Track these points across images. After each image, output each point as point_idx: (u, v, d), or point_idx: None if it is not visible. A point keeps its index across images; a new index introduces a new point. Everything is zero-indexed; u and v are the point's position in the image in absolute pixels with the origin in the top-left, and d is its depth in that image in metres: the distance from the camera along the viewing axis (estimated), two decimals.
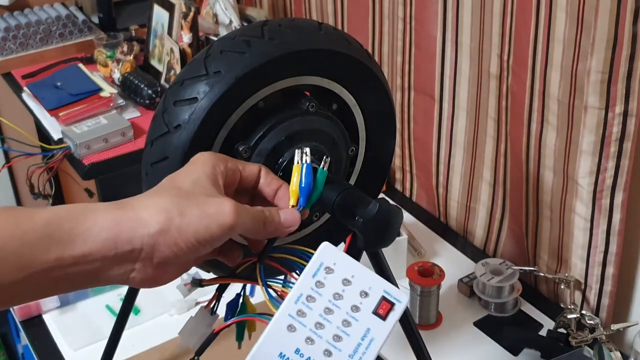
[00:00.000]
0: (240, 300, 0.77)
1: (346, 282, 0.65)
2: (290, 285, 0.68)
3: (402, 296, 0.64)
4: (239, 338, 0.79)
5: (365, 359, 0.63)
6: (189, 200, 0.64)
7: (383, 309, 0.64)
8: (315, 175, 0.76)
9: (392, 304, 0.64)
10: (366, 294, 0.65)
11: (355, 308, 0.64)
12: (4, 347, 2.43)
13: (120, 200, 0.64)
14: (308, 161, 0.75)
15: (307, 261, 0.67)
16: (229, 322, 0.75)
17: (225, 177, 0.68)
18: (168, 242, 0.62)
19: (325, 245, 0.66)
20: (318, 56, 0.82)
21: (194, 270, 0.74)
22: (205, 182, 0.66)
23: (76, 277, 0.61)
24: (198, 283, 0.77)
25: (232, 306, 0.78)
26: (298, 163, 0.75)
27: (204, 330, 0.77)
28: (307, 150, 0.76)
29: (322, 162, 0.77)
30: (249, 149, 0.80)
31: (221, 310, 0.79)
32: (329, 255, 0.66)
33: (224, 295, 0.78)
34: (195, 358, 0.78)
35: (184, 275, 0.72)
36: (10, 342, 2.42)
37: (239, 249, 0.73)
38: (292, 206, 0.73)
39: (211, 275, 0.80)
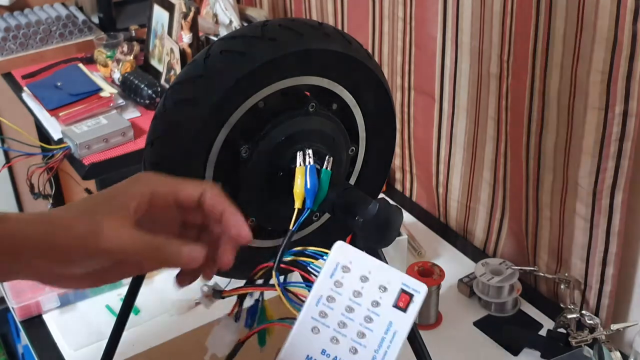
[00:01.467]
0: (260, 306, 0.77)
1: (364, 278, 0.66)
2: (309, 286, 0.68)
3: (420, 287, 0.65)
4: (261, 343, 0.79)
5: (390, 352, 0.64)
6: (73, 214, 0.66)
7: (403, 301, 0.65)
8: (320, 176, 0.76)
9: (411, 295, 0.65)
10: (385, 288, 0.65)
11: (376, 303, 0.65)
12: (4, 347, 2.43)
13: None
14: (311, 163, 0.75)
15: (321, 259, 0.67)
16: (253, 330, 0.75)
17: (150, 201, 0.68)
18: (40, 254, 0.64)
19: (339, 245, 0.67)
20: (318, 56, 0.82)
21: (215, 279, 0.74)
22: (109, 204, 0.67)
23: None
24: (219, 295, 0.77)
25: (252, 312, 0.77)
26: (301, 165, 0.75)
27: (230, 338, 0.77)
28: (310, 151, 0.76)
29: (325, 162, 0.77)
30: (250, 149, 0.80)
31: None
32: (344, 253, 0.67)
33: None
34: None
35: (204, 288, 0.74)
36: (10, 342, 2.42)
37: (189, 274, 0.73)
38: (298, 209, 0.73)
39: (231, 284, 0.79)
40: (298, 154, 0.76)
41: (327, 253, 0.67)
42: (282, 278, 0.72)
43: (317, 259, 0.69)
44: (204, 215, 0.71)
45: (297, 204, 0.73)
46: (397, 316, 0.64)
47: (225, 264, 0.70)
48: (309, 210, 0.73)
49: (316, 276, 0.67)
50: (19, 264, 0.64)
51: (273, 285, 0.71)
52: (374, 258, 0.66)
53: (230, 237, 0.70)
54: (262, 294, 0.77)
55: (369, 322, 0.65)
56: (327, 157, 0.77)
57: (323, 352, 0.64)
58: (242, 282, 0.77)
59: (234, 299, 0.78)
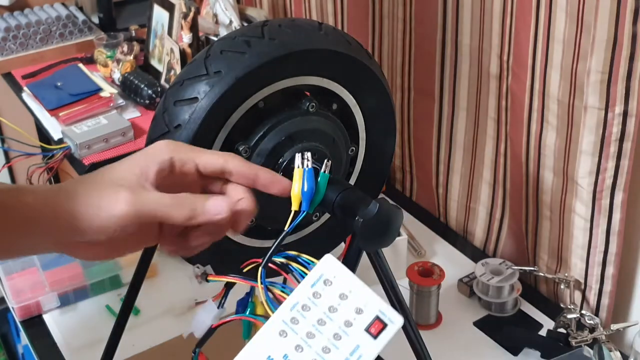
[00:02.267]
0: (250, 300, 0.78)
1: (343, 296, 0.66)
2: (289, 290, 0.69)
3: (396, 318, 0.65)
4: (245, 335, 0.80)
5: None
6: (92, 190, 0.67)
7: (375, 327, 0.65)
8: (317, 179, 0.76)
9: (385, 325, 0.65)
10: (361, 311, 0.65)
11: (348, 323, 0.65)
12: (4, 347, 2.43)
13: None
14: (310, 166, 0.75)
15: (307, 268, 0.68)
16: (227, 319, 0.76)
17: (169, 166, 0.69)
18: (63, 224, 0.66)
19: (327, 257, 0.67)
20: (318, 56, 0.83)
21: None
22: (128, 172, 0.69)
23: None
24: (205, 277, 0.79)
25: (241, 304, 0.79)
26: (299, 167, 0.75)
27: (210, 322, 0.78)
28: (309, 154, 0.76)
29: (324, 166, 0.77)
30: (249, 149, 0.80)
31: None
32: (330, 267, 0.67)
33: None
34: (196, 350, 0.80)
35: (197, 268, 0.77)
36: (10, 342, 2.42)
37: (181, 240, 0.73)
38: (295, 211, 0.73)
39: None
40: (297, 155, 0.76)
41: (315, 263, 0.68)
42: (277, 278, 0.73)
43: (306, 267, 0.70)
44: (224, 184, 0.72)
45: (294, 206, 0.73)
46: (366, 341, 0.64)
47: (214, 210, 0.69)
48: (304, 213, 0.73)
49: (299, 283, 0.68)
50: (37, 236, 0.67)
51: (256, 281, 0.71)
52: (358, 279, 0.66)
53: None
54: (252, 288, 0.77)
55: (337, 339, 0.65)
56: (325, 161, 0.77)
57: (285, 356, 0.64)
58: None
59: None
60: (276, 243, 0.72)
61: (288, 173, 0.81)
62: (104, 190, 0.67)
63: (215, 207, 0.68)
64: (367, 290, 0.66)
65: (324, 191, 0.76)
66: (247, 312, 0.78)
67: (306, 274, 0.67)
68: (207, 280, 0.78)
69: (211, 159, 0.70)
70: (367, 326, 0.65)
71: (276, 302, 0.69)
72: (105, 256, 0.71)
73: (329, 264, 0.67)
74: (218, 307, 0.78)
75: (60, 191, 0.67)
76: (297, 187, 0.74)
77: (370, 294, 0.66)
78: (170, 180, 0.69)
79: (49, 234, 0.67)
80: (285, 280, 0.72)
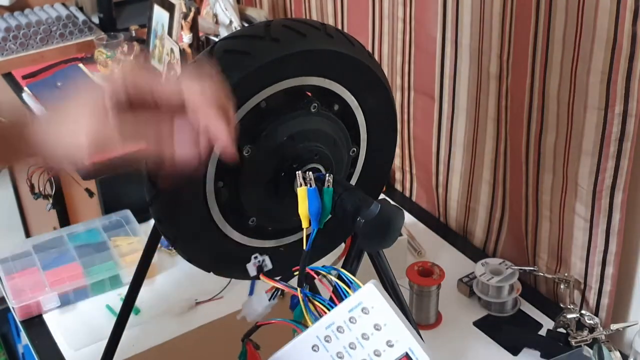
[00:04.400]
0: (301, 302, 0.79)
1: (377, 326, 0.68)
2: (329, 306, 0.71)
3: (424, 358, 0.66)
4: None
5: None
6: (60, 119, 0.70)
7: None
8: (322, 195, 0.77)
9: None
10: (391, 345, 0.68)
11: (377, 352, 0.68)
12: (4, 347, 2.43)
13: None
14: (313, 185, 0.76)
15: (351, 287, 0.70)
16: (271, 321, 0.79)
17: (125, 96, 0.67)
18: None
19: (370, 286, 0.69)
20: (321, 57, 0.83)
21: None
22: (86, 106, 0.69)
23: None
24: (260, 271, 0.85)
25: (295, 300, 0.79)
26: (302, 186, 0.76)
27: (261, 311, 0.81)
28: (310, 174, 0.77)
29: (326, 182, 0.77)
30: (251, 149, 0.80)
31: None
32: (370, 296, 0.69)
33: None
34: (244, 340, 0.84)
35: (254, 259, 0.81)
36: (10, 342, 2.42)
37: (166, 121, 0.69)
38: (306, 228, 0.75)
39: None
40: (298, 173, 0.77)
41: (360, 286, 0.69)
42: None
43: (350, 287, 0.72)
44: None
45: (304, 224, 0.75)
46: None
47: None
48: (315, 230, 0.75)
49: (341, 301, 0.70)
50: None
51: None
52: (396, 314, 0.68)
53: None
54: (303, 293, 0.78)
55: None
56: (327, 176, 0.77)
57: None
58: None
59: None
60: (303, 262, 0.75)
61: (289, 174, 0.81)
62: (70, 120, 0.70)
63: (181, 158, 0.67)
64: (402, 327, 0.68)
65: (330, 206, 0.77)
66: (294, 313, 0.79)
67: (348, 294, 0.69)
68: (258, 278, 0.81)
69: (166, 93, 0.67)
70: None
71: (316, 314, 0.71)
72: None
73: (370, 293, 0.69)
74: (270, 300, 0.81)
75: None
76: (304, 206, 0.75)
77: (404, 330, 0.68)
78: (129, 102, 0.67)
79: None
80: (330, 297, 0.73)
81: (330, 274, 0.75)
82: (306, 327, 0.70)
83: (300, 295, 0.73)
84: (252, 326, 0.83)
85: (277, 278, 0.82)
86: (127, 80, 0.67)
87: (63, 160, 0.71)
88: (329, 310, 0.70)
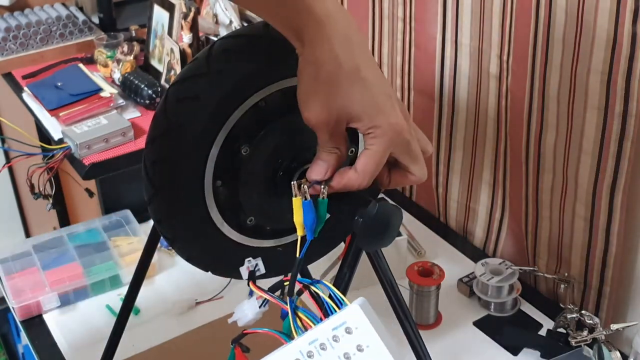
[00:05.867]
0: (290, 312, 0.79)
1: (360, 348, 0.67)
2: (315, 321, 0.71)
3: None
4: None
5: None
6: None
7: None
8: (317, 206, 0.76)
9: None
10: None
11: None
12: (4, 347, 2.43)
13: None
14: (308, 198, 0.76)
15: (338, 305, 0.70)
16: (257, 330, 0.79)
17: None
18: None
19: (355, 307, 0.68)
20: None
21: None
22: None
23: None
24: (252, 277, 0.84)
25: (285, 311, 0.79)
26: (297, 196, 0.76)
27: (251, 317, 0.81)
28: (305, 187, 0.76)
29: (321, 193, 0.77)
30: (250, 148, 0.80)
31: None
32: (354, 317, 0.68)
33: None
34: (233, 344, 0.84)
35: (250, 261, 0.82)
36: (10, 342, 2.42)
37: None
38: (301, 237, 0.75)
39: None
40: (293, 184, 0.76)
41: (347, 304, 0.69)
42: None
43: (337, 305, 0.72)
44: None
45: (299, 232, 0.74)
46: None
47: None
48: (310, 241, 0.75)
49: (327, 317, 0.69)
50: None
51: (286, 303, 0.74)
52: (379, 337, 0.67)
53: None
54: (290, 303, 0.78)
55: None
56: (322, 187, 0.77)
57: None
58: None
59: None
60: (295, 270, 0.74)
61: (288, 174, 0.81)
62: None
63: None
64: (385, 350, 0.67)
65: (324, 216, 0.77)
66: (283, 327, 0.79)
67: (335, 311, 0.69)
68: (248, 285, 0.81)
69: None
70: None
71: (302, 328, 0.71)
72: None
73: (354, 314, 0.68)
74: (260, 307, 0.80)
75: None
76: (299, 216, 0.75)
77: (386, 354, 0.67)
78: None
79: None
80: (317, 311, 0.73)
81: (317, 288, 0.75)
82: (291, 339, 0.69)
83: (288, 308, 0.73)
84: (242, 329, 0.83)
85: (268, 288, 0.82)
86: None
87: None
88: (314, 324, 0.70)
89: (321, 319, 0.70)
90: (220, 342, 0.91)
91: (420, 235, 1.52)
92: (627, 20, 1.05)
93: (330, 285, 0.74)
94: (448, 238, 1.53)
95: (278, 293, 0.79)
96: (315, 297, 0.74)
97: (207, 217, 0.82)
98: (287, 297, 0.73)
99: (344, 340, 0.67)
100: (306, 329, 0.70)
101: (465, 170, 1.50)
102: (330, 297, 0.73)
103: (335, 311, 0.69)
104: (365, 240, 0.79)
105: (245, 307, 0.81)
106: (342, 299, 0.71)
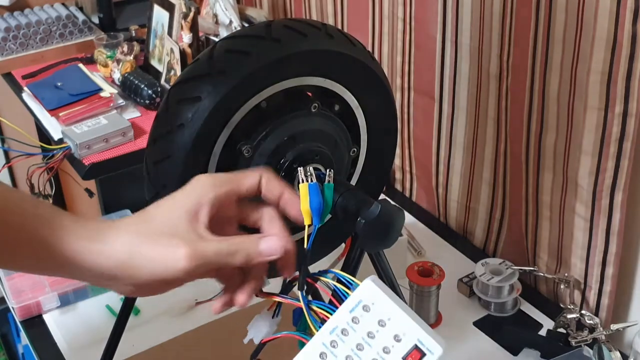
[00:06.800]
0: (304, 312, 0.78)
1: (382, 322, 0.66)
2: (331, 310, 0.70)
3: (435, 348, 0.65)
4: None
5: None
6: (148, 241, 0.66)
7: (413, 357, 0.65)
8: (323, 191, 0.76)
9: (423, 354, 0.65)
10: (399, 339, 0.66)
11: (387, 349, 0.66)
12: (4, 347, 2.43)
13: (103, 226, 0.67)
14: (314, 180, 0.75)
15: (350, 288, 0.68)
16: (276, 335, 0.77)
17: (217, 204, 0.69)
18: (125, 278, 0.66)
19: (367, 283, 0.67)
20: (322, 57, 0.83)
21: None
22: (179, 218, 0.67)
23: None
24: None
25: (298, 313, 0.79)
26: (303, 182, 0.75)
27: (267, 329, 0.79)
28: (311, 168, 0.76)
29: (327, 176, 0.77)
30: (252, 149, 0.81)
31: None
32: (369, 293, 0.67)
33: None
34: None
35: None
36: (10, 342, 2.42)
37: (239, 275, 0.73)
38: (308, 225, 0.74)
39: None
40: (299, 169, 0.76)
41: (358, 284, 0.68)
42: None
43: (349, 288, 0.70)
44: (259, 220, 0.73)
45: (306, 221, 0.74)
46: None
47: (269, 251, 0.70)
48: (317, 227, 0.74)
49: (341, 303, 0.68)
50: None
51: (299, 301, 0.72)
52: (398, 306, 0.66)
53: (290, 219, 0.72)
54: (305, 302, 0.77)
55: None
56: (328, 171, 0.77)
57: None
58: None
59: None
60: (304, 261, 0.73)
61: (290, 173, 0.81)
62: (157, 241, 0.66)
63: (269, 249, 0.69)
64: (407, 318, 0.66)
65: (331, 202, 0.77)
66: (300, 324, 0.78)
67: (348, 294, 0.68)
68: (257, 295, 0.78)
69: (250, 181, 0.71)
70: (405, 354, 0.65)
71: (319, 321, 0.70)
72: (142, 294, 0.71)
73: (369, 290, 0.67)
74: (273, 317, 0.79)
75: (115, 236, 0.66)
76: (305, 203, 0.74)
77: (409, 322, 0.66)
78: (215, 218, 0.69)
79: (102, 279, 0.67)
80: (330, 301, 0.72)
81: (326, 277, 0.74)
82: (311, 336, 0.69)
83: (302, 303, 0.71)
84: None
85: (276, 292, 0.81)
86: (214, 187, 0.69)
87: (137, 280, 0.67)
88: (330, 314, 0.68)
89: (336, 307, 0.69)
90: (220, 342, 0.91)
91: (420, 235, 1.52)
92: (627, 20, 1.05)
93: (337, 270, 0.73)
94: (448, 238, 1.53)
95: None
96: (326, 287, 0.73)
97: None
98: (299, 293, 0.72)
99: (364, 320, 0.66)
100: (324, 322, 0.69)
101: (465, 170, 1.50)
102: (339, 281, 0.72)
103: (348, 294, 0.68)
104: (367, 241, 0.79)
105: (258, 322, 0.79)
106: (352, 280, 0.70)
